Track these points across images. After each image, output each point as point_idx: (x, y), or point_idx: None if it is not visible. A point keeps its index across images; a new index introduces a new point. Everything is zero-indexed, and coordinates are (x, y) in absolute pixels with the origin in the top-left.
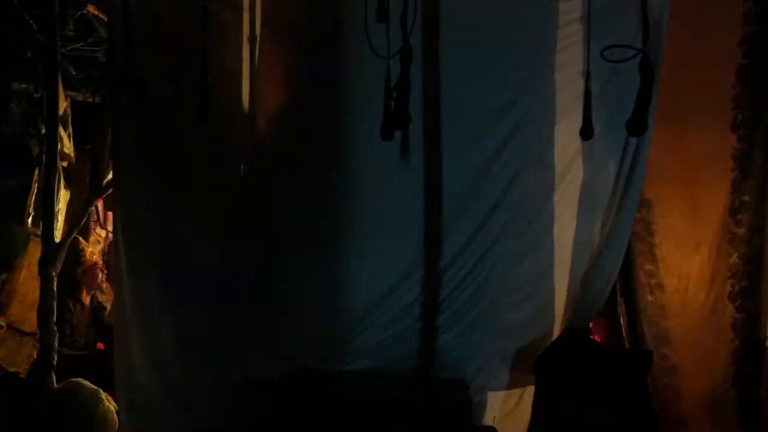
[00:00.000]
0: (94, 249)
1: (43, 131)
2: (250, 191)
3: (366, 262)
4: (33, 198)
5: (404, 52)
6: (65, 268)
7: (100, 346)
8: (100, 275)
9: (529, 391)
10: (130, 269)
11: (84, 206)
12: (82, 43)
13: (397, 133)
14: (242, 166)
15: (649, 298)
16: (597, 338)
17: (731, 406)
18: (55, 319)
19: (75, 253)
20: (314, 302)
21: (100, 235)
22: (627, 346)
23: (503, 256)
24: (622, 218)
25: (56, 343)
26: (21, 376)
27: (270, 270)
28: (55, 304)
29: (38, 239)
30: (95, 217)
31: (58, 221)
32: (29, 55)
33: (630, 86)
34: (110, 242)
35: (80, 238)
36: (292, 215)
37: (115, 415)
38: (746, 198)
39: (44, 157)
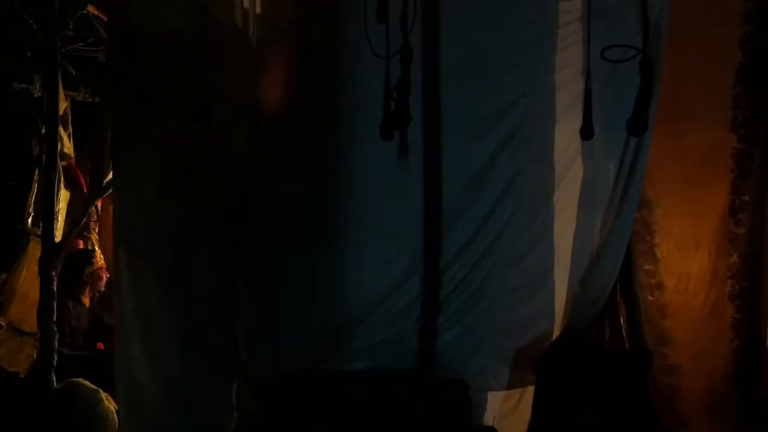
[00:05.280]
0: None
1: (43, 131)
2: (250, 191)
3: (366, 262)
4: (33, 198)
5: (404, 52)
6: (71, 267)
7: (100, 346)
8: (104, 278)
9: (529, 391)
10: (130, 269)
11: (84, 206)
12: (82, 43)
13: (397, 133)
14: (242, 166)
15: (649, 298)
16: (597, 338)
17: (731, 406)
18: (55, 319)
19: (86, 254)
20: (314, 302)
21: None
22: (627, 346)
23: (503, 256)
24: (622, 218)
25: (56, 343)
26: (21, 376)
27: (270, 270)
28: (55, 304)
29: (38, 239)
30: (95, 217)
31: (58, 221)
32: (29, 55)
33: (630, 86)
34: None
35: (95, 239)
36: (292, 215)
37: (115, 415)
38: (746, 198)
39: (44, 157)
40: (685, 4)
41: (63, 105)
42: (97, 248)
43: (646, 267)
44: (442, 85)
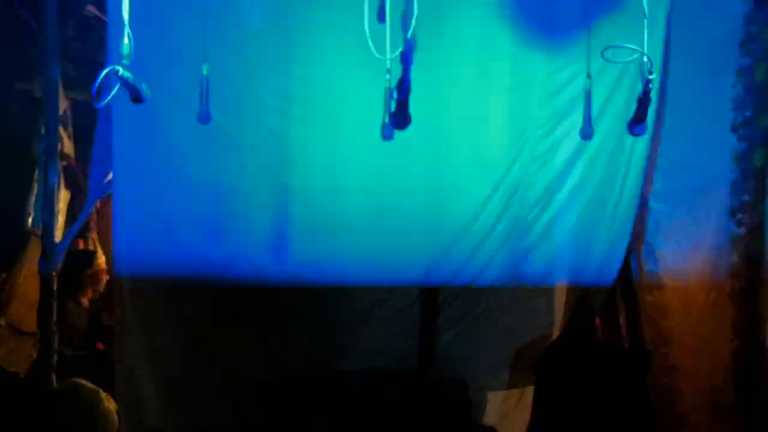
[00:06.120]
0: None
1: (43, 131)
2: (250, 190)
3: (367, 262)
4: (33, 198)
5: (404, 52)
6: (71, 267)
7: (100, 346)
8: (104, 279)
9: (529, 391)
10: (130, 269)
11: (84, 206)
12: (81, 44)
13: (398, 134)
14: (242, 166)
15: (649, 298)
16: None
17: (731, 406)
18: (55, 319)
19: (87, 254)
20: (315, 302)
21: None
22: (626, 345)
23: (505, 257)
24: (623, 218)
25: (56, 343)
26: (21, 376)
27: (271, 270)
28: (55, 304)
29: (38, 239)
30: (95, 217)
31: (58, 221)
32: (29, 55)
33: (633, 87)
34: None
35: (96, 241)
36: (293, 215)
37: (115, 415)
38: (746, 198)
39: (44, 157)
40: (686, 4)
41: (63, 105)
42: (98, 248)
43: (646, 267)
44: (443, 83)
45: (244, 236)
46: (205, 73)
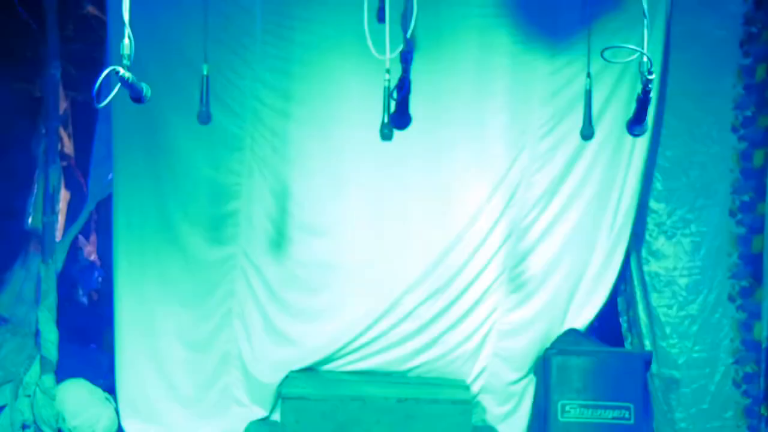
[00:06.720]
0: (93, 248)
1: (43, 131)
2: (251, 191)
3: (370, 264)
4: (33, 198)
5: (404, 52)
6: (71, 267)
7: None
8: (100, 279)
9: (529, 391)
10: (130, 269)
11: (84, 206)
12: (81, 44)
13: (397, 134)
14: (242, 166)
15: (649, 297)
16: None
17: (731, 406)
18: (55, 319)
19: (72, 252)
20: (317, 302)
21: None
22: (627, 345)
23: (506, 258)
24: (623, 219)
25: (56, 343)
26: (21, 376)
27: (272, 271)
28: (55, 304)
29: (38, 239)
30: (95, 217)
31: (58, 221)
32: (29, 55)
33: (633, 87)
34: None
35: (80, 237)
36: (294, 216)
37: (115, 415)
38: (746, 198)
39: (44, 157)
40: (686, 4)
41: (63, 105)
42: (84, 246)
43: (646, 267)
44: (443, 83)
45: (244, 236)
46: (205, 73)
